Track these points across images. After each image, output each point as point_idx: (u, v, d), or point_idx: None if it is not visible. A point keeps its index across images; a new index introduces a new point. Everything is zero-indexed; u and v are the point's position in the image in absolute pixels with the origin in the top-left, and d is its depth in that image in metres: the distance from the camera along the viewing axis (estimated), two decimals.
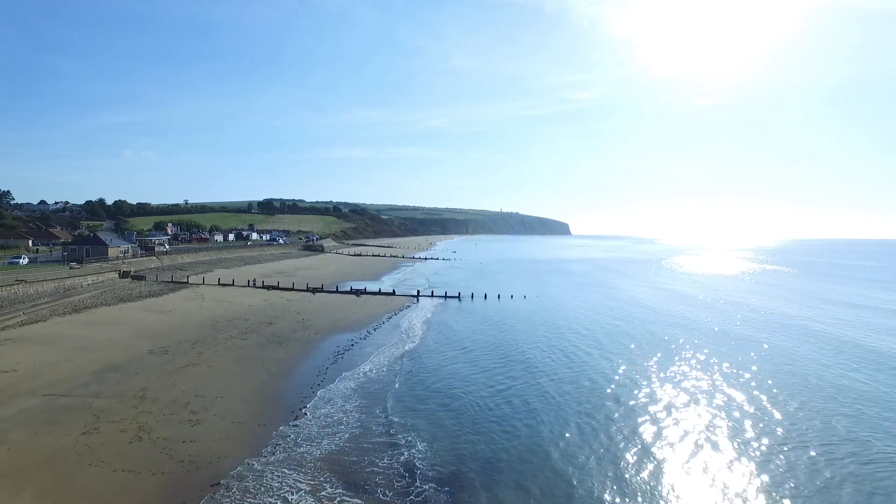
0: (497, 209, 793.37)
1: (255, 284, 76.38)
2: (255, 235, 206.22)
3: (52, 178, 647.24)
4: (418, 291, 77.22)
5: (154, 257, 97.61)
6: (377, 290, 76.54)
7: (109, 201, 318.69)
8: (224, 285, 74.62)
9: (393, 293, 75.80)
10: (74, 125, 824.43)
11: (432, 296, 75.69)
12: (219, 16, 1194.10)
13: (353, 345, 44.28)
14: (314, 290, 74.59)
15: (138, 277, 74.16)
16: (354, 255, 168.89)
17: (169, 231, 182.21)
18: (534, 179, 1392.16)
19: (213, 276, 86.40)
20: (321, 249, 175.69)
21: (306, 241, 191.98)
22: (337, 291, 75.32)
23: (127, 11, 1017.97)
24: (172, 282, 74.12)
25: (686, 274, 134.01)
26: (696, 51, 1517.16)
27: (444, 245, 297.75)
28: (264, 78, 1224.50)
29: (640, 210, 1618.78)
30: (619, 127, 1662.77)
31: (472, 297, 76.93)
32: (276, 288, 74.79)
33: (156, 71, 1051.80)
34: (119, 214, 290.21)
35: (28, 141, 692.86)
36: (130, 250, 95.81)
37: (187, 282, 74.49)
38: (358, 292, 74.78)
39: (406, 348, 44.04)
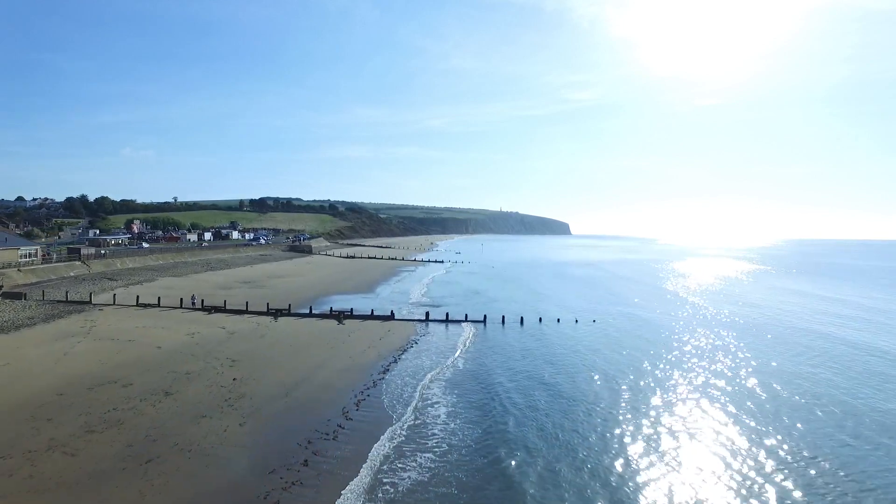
0: (497, 209, 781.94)
1: (194, 305, 53.49)
2: (235, 234, 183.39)
3: (52, 178, 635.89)
4: (427, 314, 54.48)
5: (79, 262, 74.66)
6: (369, 312, 53.78)
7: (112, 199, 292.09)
8: (144, 306, 51.66)
9: (391, 316, 53.03)
10: (74, 124, 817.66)
11: (447, 321, 53.10)
12: (219, 15, 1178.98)
13: (306, 463, 21.41)
14: (276, 314, 51.79)
15: (13, 295, 50.88)
16: (347, 258, 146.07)
17: (135, 229, 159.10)
18: (534, 179, 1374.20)
19: (145, 290, 63.66)
20: (308, 251, 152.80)
21: (292, 241, 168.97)
22: (310, 314, 52.49)
23: (127, 11, 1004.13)
24: (67, 301, 51.08)
25: (745, 285, 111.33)
26: (696, 51, 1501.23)
27: (446, 245, 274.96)
28: (264, 77, 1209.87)
29: (640, 210, 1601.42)
30: (619, 127, 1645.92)
31: (504, 321, 54.31)
32: (222, 310, 51.92)
33: (155, 70, 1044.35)
34: (101, 212, 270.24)
35: (28, 140, 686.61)
36: (40, 253, 72.68)
37: (90, 301, 51.46)
38: (341, 315, 52.03)
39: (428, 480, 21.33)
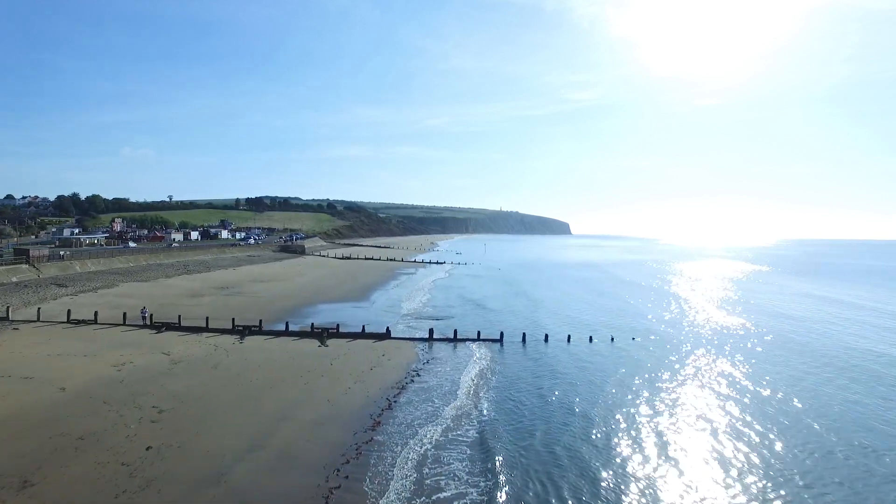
0: (497, 208, 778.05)
1: (145, 320, 43.30)
2: (225, 233, 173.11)
3: (52, 177, 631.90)
4: (431, 331, 44.34)
5: (26, 266, 64.54)
6: (359, 329, 43.66)
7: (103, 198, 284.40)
8: (76, 323, 41.46)
9: (387, 334, 42.93)
10: (73, 123, 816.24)
11: (455, 339, 43.06)
12: (219, 15, 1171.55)
13: None
14: (244, 332, 41.66)
15: None
16: (342, 259, 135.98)
17: (116, 227, 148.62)
18: (534, 179, 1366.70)
19: (97, 299, 53.69)
20: (301, 251, 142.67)
21: (285, 241, 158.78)
22: (287, 332, 42.36)
23: (127, 10, 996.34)
24: None
25: (786, 287, 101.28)
26: (696, 51, 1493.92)
27: (447, 245, 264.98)
28: (265, 77, 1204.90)
29: (641, 210, 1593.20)
30: (619, 127, 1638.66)
31: (525, 340, 44.28)
32: (176, 327, 41.75)
33: (155, 69, 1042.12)
34: (92, 211, 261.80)
35: (27, 139, 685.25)
36: None
37: (6, 316, 41.26)
38: (324, 333, 41.96)
39: None
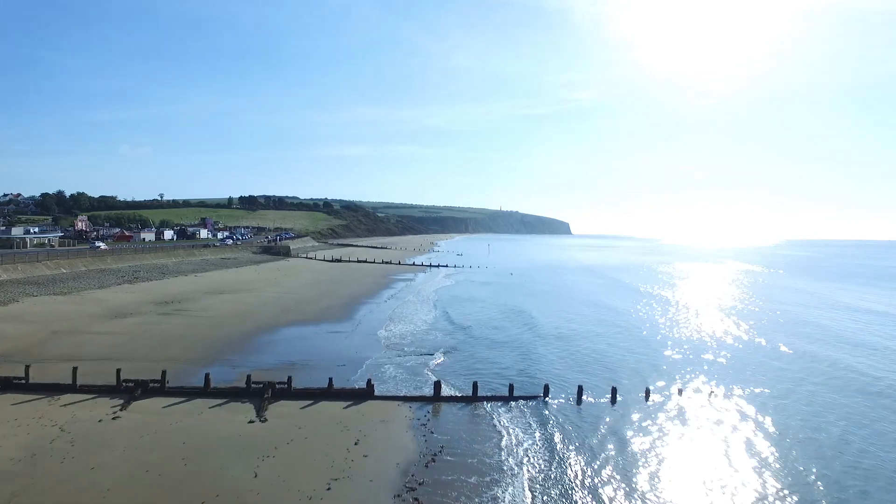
0: (497, 208, 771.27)
1: None
2: (204, 233, 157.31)
3: (51, 175, 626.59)
4: (437, 386, 28.24)
5: None
6: (325, 383, 27.59)
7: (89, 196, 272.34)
8: None
9: (367, 393, 27.02)
10: (71, 121, 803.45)
11: (475, 398, 27.32)
12: (219, 13, 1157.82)
13: None
14: (133, 391, 25.77)
15: None
16: (331, 261, 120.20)
17: (79, 226, 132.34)
18: (534, 179, 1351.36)
19: None
20: (286, 252, 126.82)
21: (269, 241, 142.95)
22: (205, 391, 26.36)
23: (127, 9, 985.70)
24: None
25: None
26: (696, 51, 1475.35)
27: (447, 245, 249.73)
28: (264, 75, 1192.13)
29: (641, 210, 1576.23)
30: (620, 127, 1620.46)
31: (580, 397, 28.52)
32: (20, 385, 25.69)
33: (154, 68, 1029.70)
34: (76, 209, 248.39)
35: (26, 137, 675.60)
36: None
37: None
38: (266, 392, 26.08)
39: None
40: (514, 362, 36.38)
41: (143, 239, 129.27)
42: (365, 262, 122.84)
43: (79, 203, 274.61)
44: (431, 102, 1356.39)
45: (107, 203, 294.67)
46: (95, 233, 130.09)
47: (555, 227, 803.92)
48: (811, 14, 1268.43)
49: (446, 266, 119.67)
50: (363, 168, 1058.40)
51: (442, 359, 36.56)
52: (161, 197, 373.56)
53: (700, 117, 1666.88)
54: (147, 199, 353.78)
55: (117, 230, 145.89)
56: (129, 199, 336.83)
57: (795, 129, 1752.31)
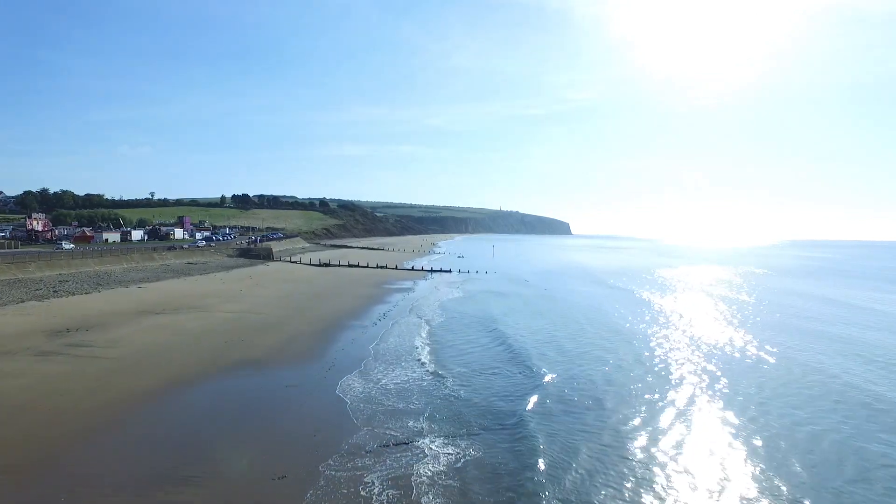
0: (496, 208, 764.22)
1: None
2: (179, 233, 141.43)
3: (51, 175, 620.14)
4: None
5: None
6: None
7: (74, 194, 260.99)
8: None
9: None
10: (72, 121, 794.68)
11: None
12: (219, 13, 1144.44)
13: None
14: None
15: None
16: (319, 266, 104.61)
17: (31, 225, 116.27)
18: (533, 179, 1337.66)
19: None
20: (267, 256, 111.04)
21: (248, 242, 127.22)
22: None
23: (127, 9, 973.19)
24: None
25: None
26: (696, 51, 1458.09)
27: (448, 246, 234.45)
28: (264, 75, 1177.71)
29: (640, 210, 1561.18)
30: (620, 127, 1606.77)
31: None
32: None
33: (154, 67, 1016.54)
34: (60, 207, 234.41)
35: (26, 137, 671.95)
36: None
37: None
38: None
39: None
40: (568, 425, 20.68)
41: (106, 240, 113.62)
42: (357, 266, 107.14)
43: (63, 201, 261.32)
44: (431, 102, 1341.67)
45: (92, 202, 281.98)
46: (51, 233, 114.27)
47: (555, 228, 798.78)
48: (811, 14, 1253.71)
49: (449, 271, 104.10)
50: (363, 168, 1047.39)
51: (462, 448, 20.90)
52: (152, 196, 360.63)
53: (700, 117, 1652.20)
54: (139, 198, 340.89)
55: (80, 230, 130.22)
56: (116, 197, 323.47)
57: (795, 129, 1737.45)
